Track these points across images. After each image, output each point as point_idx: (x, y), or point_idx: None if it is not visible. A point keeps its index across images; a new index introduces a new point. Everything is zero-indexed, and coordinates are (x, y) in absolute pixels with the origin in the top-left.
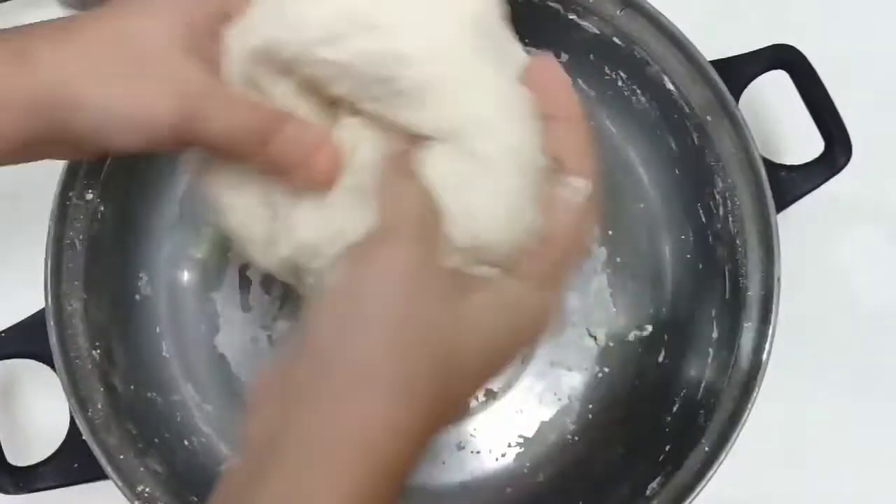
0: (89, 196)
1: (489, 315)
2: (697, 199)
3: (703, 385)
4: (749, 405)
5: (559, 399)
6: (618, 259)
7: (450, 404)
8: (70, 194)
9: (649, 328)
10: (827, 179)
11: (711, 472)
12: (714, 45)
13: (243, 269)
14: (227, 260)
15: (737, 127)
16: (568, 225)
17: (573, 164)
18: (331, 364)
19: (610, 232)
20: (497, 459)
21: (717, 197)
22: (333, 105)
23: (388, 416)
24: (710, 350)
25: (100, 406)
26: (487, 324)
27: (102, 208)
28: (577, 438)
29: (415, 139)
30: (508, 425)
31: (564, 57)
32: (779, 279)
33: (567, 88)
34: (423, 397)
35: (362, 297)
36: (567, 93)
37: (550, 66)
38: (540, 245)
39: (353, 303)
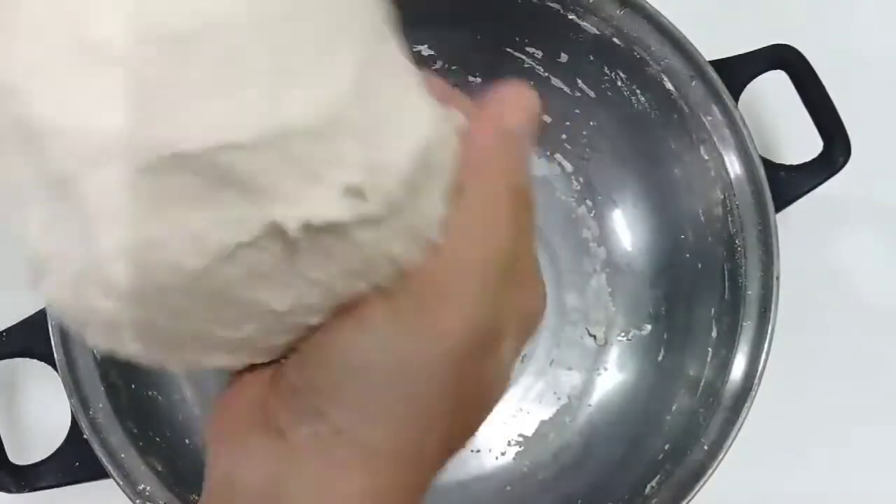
0: None
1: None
2: (696, 199)
3: (702, 384)
4: (748, 404)
5: (559, 398)
6: (617, 258)
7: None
8: None
9: (648, 327)
10: (826, 179)
11: (710, 471)
12: (713, 45)
13: None
14: None
15: (735, 127)
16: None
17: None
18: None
19: (609, 231)
20: (497, 458)
21: (717, 196)
22: None
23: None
24: (710, 349)
25: (101, 405)
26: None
27: None
28: (576, 437)
29: None
30: (508, 424)
31: (564, 57)
32: (778, 278)
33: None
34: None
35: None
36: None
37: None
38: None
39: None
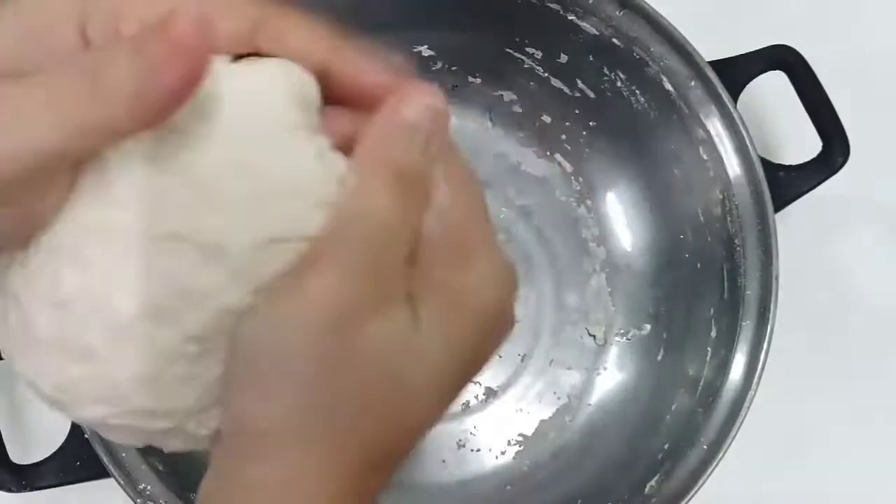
0: None
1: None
2: (696, 199)
3: (701, 384)
4: (747, 404)
5: (558, 397)
6: (617, 258)
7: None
8: None
9: (648, 327)
10: (825, 179)
11: (710, 471)
12: (712, 45)
13: None
14: None
15: (735, 127)
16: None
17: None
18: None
19: (609, 231)
20: (497, 458)
21: (716, 196)
22: None
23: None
24: (709, 349)
25: None
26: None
27: None
28: (576, 437)
29: None
30: (508, 424)
31: (564, 58)
32: (777, 278)
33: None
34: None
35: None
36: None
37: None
38: None
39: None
